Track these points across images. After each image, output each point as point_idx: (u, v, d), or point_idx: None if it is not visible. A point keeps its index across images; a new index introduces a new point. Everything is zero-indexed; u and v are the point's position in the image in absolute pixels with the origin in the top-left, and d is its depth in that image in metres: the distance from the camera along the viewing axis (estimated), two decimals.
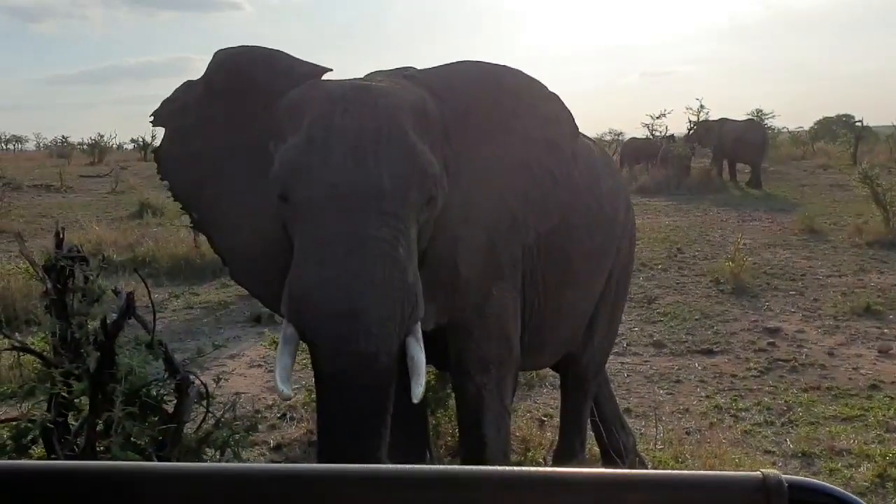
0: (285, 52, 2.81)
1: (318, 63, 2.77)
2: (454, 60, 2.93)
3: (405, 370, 2.30)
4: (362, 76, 2.82)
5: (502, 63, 2.96)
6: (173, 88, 2.92)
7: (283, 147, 2.39)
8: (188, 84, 2.91)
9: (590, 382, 3.99)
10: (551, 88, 3.01)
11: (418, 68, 2.85)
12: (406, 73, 2.78)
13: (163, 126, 2.89)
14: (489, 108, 2.76)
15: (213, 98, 2.80)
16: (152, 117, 2.89)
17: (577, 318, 3.62)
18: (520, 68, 2.99)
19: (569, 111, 2.99)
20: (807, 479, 0.78)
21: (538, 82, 2.97)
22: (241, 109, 2.71)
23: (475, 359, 2.94)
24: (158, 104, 2.91)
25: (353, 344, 2.12)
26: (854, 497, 0.76)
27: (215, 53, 2.87)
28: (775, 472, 0.76)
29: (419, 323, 2.35)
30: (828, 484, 0.78)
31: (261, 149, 2.57)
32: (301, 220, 2.29)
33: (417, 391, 2.29)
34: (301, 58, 2.80)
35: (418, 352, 2.31)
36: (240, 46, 2.87)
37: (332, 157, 2.27)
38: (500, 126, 2.78)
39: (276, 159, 2.40)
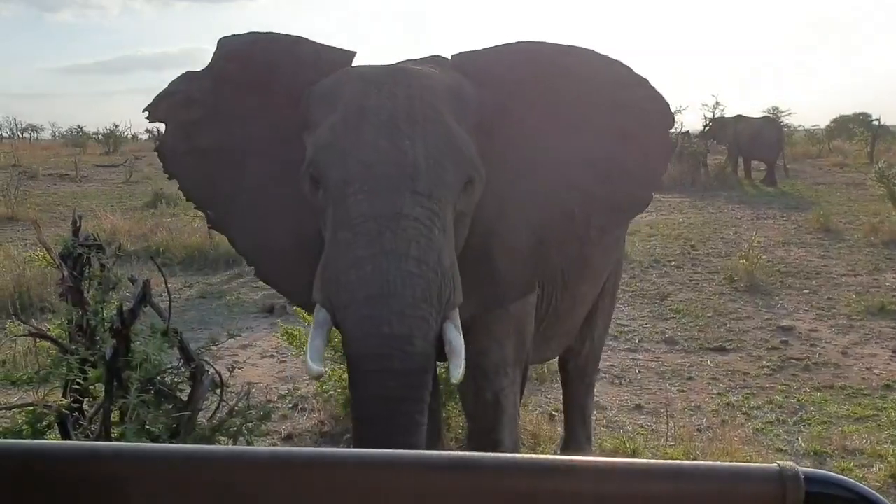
0: (305, 37, 2.69)
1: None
2: (514, 41, 2.69)
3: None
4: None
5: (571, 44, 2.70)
6: None
7: (317, 130, 2.32)
8: (189, 76, 2.75)
9: (591, 376, 4.04)
10: None
11: (447, 57, 2.75)
12: (447, 58, 2.65)
13: (164, 121, 2.73)
14: (540, 94, 2.58)
15: (224, 89, 2.65)
16: (147, 112, 2.72)
17: (584, 310, 3.59)
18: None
19: (660, 97, 2.73)
20: (823, 471, 0.78)
21: (618, 65, 2.71)
22: (264, 101, 2.60)
23: (494, 361, 2.83)
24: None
25: (385, 326, 2.03)
26: (870, 490, 0.76)
27: (220, 42, 2.71)
28: (792, 464, 0.76)
29: (457, 309, 2.25)
30: (844, 476, 0.78)
31: (291, 141, 2.49)
32: (334, 201, 2.22)
33: (457, 373, 2.17)
34: None
35: (457, 336, 2.20)
36: (248, 33, 2.72)
37: (365, 137, 2.21)
38: (554, 114, 2.60)
39: (310, 143, 2.33)
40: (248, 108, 2.63)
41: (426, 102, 2.28)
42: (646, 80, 2.73)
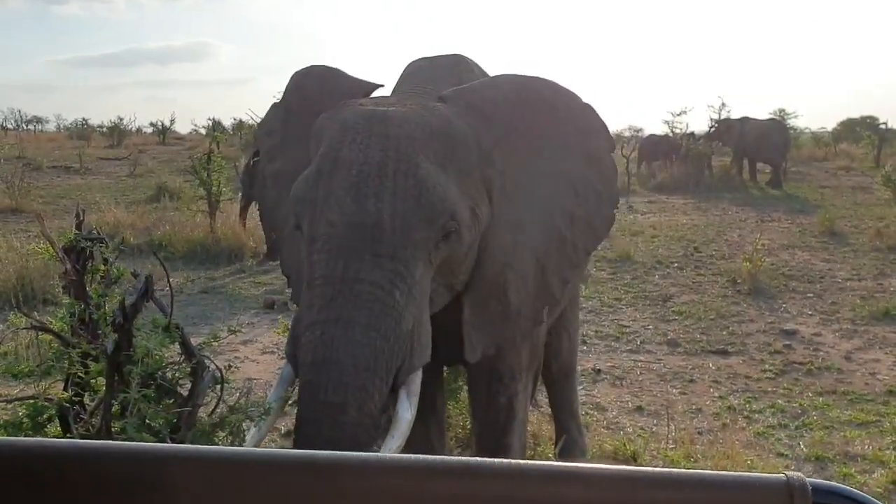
0: (339, 69, 2.88)
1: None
2: (494, 75, 2.88)
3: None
4: (410, 61, 2.83)
5: (534, 75, 2.90)
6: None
7: (298, 178, 2.36)
8: (274, 105, 3.03)
9: (572, 372, 4.11)
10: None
11: (466, 56, 2.82)
12: (464, 56, 2.79)
13: (260, 147, 3.07)
14: (531, 123, 2.67)
15: (289, 118, 2.91)
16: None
17: (564, 304, 3.63)
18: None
19: (603, 121, 2.93)
20: (831, 482, 0.76)
21: (572, 92, 2.89)
22: (305, 130, 2.68)
23: (510, 365, 2.85)
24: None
25: (321, 393, 2.01)
26: (878, 502, 0.74)
27: (292, 75, 2.98)
28: (799, 474, 0.75)
29: (417, 373, 2.20)
30: (852, 488, 0.76)
31: None
32: (306, 254, 2.23)
33: (385, 451, 2.08)
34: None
35: (405, 409, 2.15)
36: (308, 66, 2.97)
37: (334, 193, 2.20)
38: (541, 141, 2.68)
39: (291, 191, 2.36)
40: (302, 135, 2.71)
41: (401, 154, 2.23)
42: (590, 105, 2.95)
